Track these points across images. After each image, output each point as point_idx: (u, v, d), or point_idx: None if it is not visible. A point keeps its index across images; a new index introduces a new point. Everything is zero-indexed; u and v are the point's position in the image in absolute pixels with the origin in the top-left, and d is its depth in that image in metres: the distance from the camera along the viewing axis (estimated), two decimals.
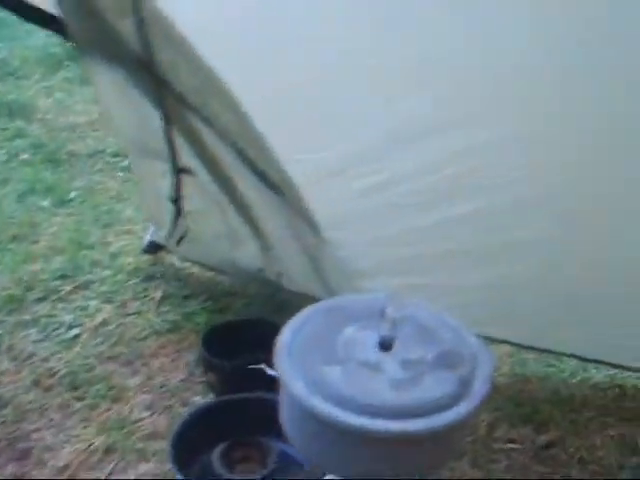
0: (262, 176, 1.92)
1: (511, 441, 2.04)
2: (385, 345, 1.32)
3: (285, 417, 1.36)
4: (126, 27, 1.64)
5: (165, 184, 2.24)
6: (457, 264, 1.99)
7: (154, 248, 2.83)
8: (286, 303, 2.54)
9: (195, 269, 2.84)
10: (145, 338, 2.45)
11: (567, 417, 2.12)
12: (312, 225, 2.03)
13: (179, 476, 1.68)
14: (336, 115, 1.66)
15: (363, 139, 1.70)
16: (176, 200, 2.32)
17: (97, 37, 1.72)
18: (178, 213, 2.36)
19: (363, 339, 1.34)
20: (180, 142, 2.03)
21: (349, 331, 1.37)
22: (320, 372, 1.27)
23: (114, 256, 2.93)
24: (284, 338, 1.34)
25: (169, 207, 2.37)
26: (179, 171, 2.15)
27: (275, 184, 1.94)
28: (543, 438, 2.04)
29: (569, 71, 1.40)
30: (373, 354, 1.31)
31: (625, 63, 1.34)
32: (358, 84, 1.56)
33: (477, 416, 1.95)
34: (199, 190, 2.19)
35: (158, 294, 2.68)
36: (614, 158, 1.54)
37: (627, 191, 1.57)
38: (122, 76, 1.83)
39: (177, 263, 2.87)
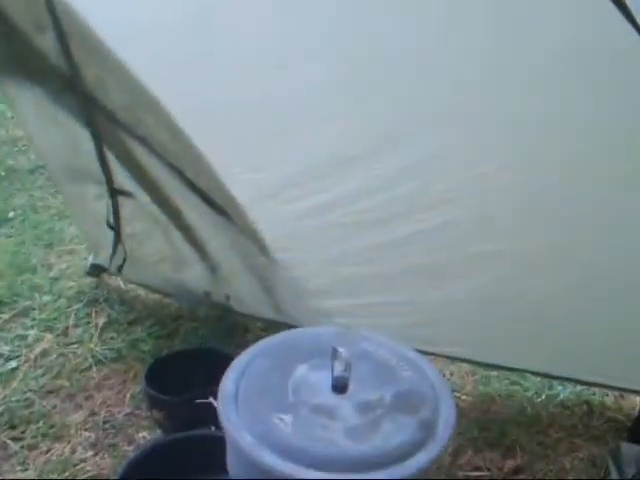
0: (203, 196, 1.79)
1: (477, 468, 1.93)
2: (339, 387, 1.21)
3: (233, 468, 1.23)
4: (46, 42, 1.49)
5: (101, 207, 2.09)
6: (413, 282, 1.91)
7: (97, 270, 2.68)
8: (236, 326, 2.43)
9: (141, 291, 2.69)
10: (88, 369, 2.29)
11: (534, 439, 2.02)
12: (260, 245, 1.91)
13: None
14: (279, 134, 1.55)
15: (306, 159, 1.61)
16: (113, 224, 2.17)
17: (14, 54, 1.57)
18: (117, 237, 2.22)
19: (315, 381, 1.23)
20: (114, 163, 1.89)
21: (300, 372, 1.25)
22: (269, 421, 1.15)
23: (55, 280, 2.78)
24: (228, 384, 1.22)
25: (108, 231, 2.22)
26: (115, 193, 2.01)
27: (217, 203, 1.81)
28: (510, 463, 1.93)
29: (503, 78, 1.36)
30: (326, 398, 1.20)
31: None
32: (298, 103, 1.46)
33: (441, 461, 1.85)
34: (139, 212, 2.05)
35: (101, 320, 2.53)
36: (577, 172, 1.48)
37: (593, 207, 1.49)
38: (45, 95, 1.68)
39: (122, 286, 2.72)
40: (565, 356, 1.99)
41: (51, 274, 2.82)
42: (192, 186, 1.78)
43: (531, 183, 1.56)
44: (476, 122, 1.46)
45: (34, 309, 2.60)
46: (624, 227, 1.56)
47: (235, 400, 1.19)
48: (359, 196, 1.70)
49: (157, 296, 2.64)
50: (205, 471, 1.71)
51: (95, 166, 1.91)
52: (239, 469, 1.21)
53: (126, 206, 2.09)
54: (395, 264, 1.84)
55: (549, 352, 1.98)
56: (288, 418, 1.15)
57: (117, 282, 2.73)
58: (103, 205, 2.09)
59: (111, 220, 2.14)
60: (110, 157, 1.88)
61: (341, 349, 1.20)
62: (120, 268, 2.36)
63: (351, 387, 1.21)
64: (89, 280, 2.73)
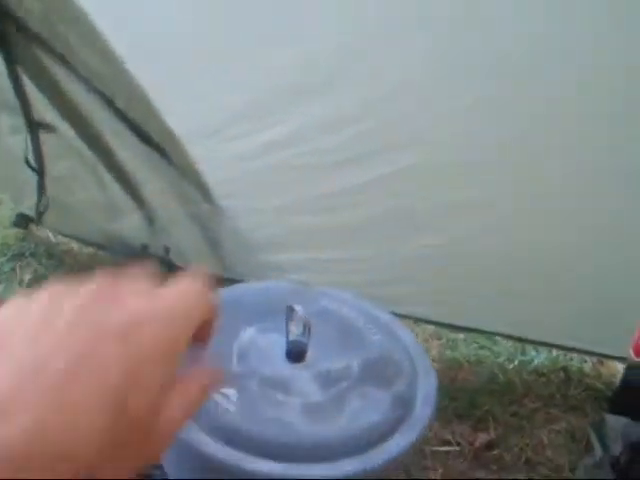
0: (136, 129, 1.53)
1: (445, 442, 1.73)
2: (295, 354, 0.98)
3: (166, 459, 0.99)
4: None
5: (17, 143, 1.80)
6: (378, 235, 1.69)
7: (25, 220, 2.39)
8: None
9: (73, 245, 2.41)
10: None
11: (508, 410, 1.82)
12: (203, 190, 1.66)
13: None
14: (222, 57, 1.31)
15: (254, 87, 1.37)
16: (35, 165, 1.88)
17: None
18: (41, 181, 1.93)
19: (266, 347, 0.99)
20: (31, 88, 1.60)
21: (246, 336, 1.01)
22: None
23: None
24: None
25: (31, 174, 1.94)
26: (34, 126, 1.73)
27: (153, 139, 1.55)
28: (482, 437, 1.74)
29: None
30: (280, 368, 0.97)
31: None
32: (244, 23, 1.22)
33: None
34: (63, 149, 1.77)
35: (27, 276, 2.25)
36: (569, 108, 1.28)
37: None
38: None
39: (51, 238, 2.44)
40: (539, 319, 1.80)
41: None
42: (123, 117, 1.51)
43: (520, 122, 1.35)
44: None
45: None
46: (615, 181, 1.38)
47: None
48: (316, 133, 1.45)
49: (90, 249, 2.36)
50: None
51: (8, 92, 1.63)
52: (173, 459, 0.97)
53: (49, 142, 1.81)
54: (358, 213, 1.62)
55: (522, 314, 1.79)
56: (232, 394, 0.91)
57: (46, 234, 2.45)
58: (19, 141, 1.80)
59: (30, 159, 1.85)
60: (26, 81, 1.60)
61: (297, 307, 0.97)
62: (41, 216, 2.08)
63: (310, 354, 0.98)
64: (15, 232, 2.44)
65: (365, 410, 0.92)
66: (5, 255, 2.34)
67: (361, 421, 0.90)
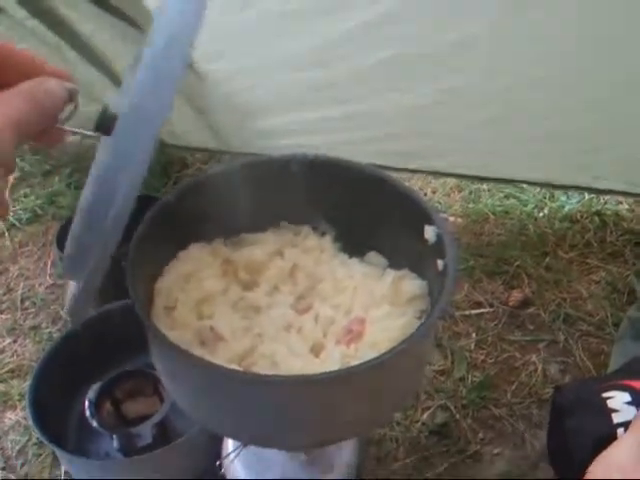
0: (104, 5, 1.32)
1: (477, 304, 1.61)
2: None
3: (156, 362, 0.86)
4: None
5: None
6: (377, 85, 1.50)
7: None
8: (171, 163, 2.03)
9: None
10: None
11: (541, 263, 1.69)
12: None
13: (42, 437, 1.20)
14: None
15: None
16: None
17: None
18: None
19: None
20: None
21: None
22: None
23: None
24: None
25: None
26: None
27: (120, 10, 1.35)
28: (516, 295, 1.61)
29: None
30: None
31: None
32: None
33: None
34: (18, 31, 1.56)
35: (11, 175, 2.09)
36: None
37: None
38: None
39: None
40: (569, 161, 1.63)
41: None
42: None
43: None
44: None
45: None
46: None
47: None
48: None
49: (75, 139, 2.19)
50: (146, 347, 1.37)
51: None
52: (165, 368, 0.84)
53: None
54: (352, 63, 1.42)
55: (550, 157, 1.63)
56: None
57: None
58: None
59: None
60: None
61: None
62: None
63: None
64: None
65: None
66: None
67: None
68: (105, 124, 0.58)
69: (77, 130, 0.55)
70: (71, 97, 0.48)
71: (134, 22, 1.43)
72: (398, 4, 1.26)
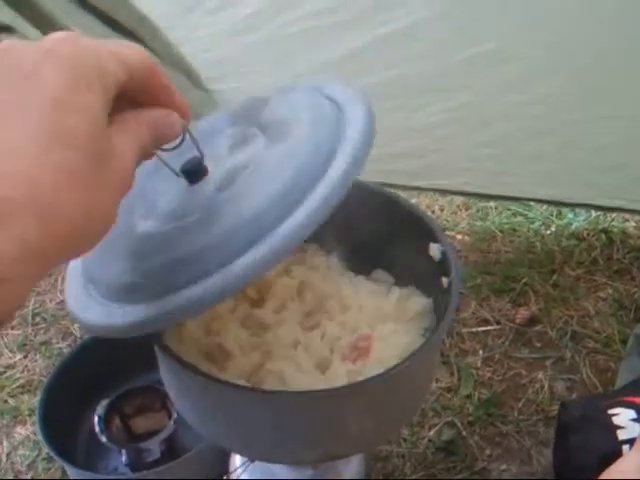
0: (104, 17, 1.34)
1: (484, 322, 1.62)
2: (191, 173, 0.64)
3: (164, 377, 0.86)
4: None
5: None
6: (386, 104, 1.49)
7: None
8: None
9: None
10: None
11: (548, 280, 1.69)
12: (190, 75, 1.48)
13: (51, 452, 1.22)
14: None
15: None
16: None
17: None
18: None
19: (165, 186, 0.67)
20: None
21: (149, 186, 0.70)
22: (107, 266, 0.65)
23: None
24: None
25: None
26: None
27: (126, 28, 1.37)
28: (524, 312, 1.61)
29: None
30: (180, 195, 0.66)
31: None
32: None
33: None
34: None
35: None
36: None
37: None
38: None
39: None
40: (576, 178, 1.64)
41: None
42: (86, 4, 1.32)
43: None
44: None
45: None
46: None
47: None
48: None
49: None
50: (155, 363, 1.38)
51: None
52: (172, 383, 0.85)
53: None
54: (361, 81, 1.43)
55: (557, 175, 1.63)
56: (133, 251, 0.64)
57: None
58: None
59: None
60: None
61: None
62: None
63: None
64: None
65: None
66: None
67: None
68: (192, 173, 0.62)
69: (166, 163, 0.57)
70: (182, 132, 0.50)
71: (142, 41, 1.45)
72: (406, 23, 1.28)
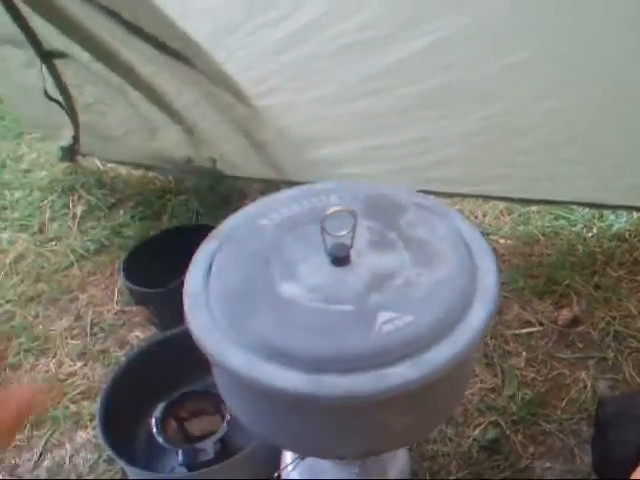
0: (152, 40, 1.41)
1: (527, 324, 1.64)
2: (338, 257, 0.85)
3: (222, 388, 0.93)
4: None
5: (35, 78, 1.71)
6: (426, 114, 1.54)
7: (69, 152, 2.33)
8: (230, 193, 2.11)
9: (121, 170, 2.36)
10: (69, 267, 2.00)
11: (590, 282, 1.71)
12: (236, 92, 1.55)
13: (112, 454, 1.29)
14: None
15: None
16: (62, 95, 1.80)
17: None
18: (72, 110, 1.85)
19: (304, 252, 0.88)
20: (30, 14, 1.50)
21: (285, 243, 0.90)
22: (256, 318, 0.81)
23: (26, 172, 2.46)
24: (193, 280, 0.89)
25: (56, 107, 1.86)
26: (47, 56, 1.63)
27: (173, 49, 1.44)
28: (566, 314, 1.64)
29: None
30: (323, 273, 0.84)
31: None
32: None
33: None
34: (84, 75, 1.68)
35: (79, 209, 2.22)
36: None
37: None
38: None
39: (100, 166, 2.39)
40: (617, 181, 1.65)
41: (21, 166, 2.50)
42: (135, 30, 1.40)
43: None
44: None
45: (5, 209, 2.30)
46: None
47: (206, 300, 0.86)
48: (346, 10, 1.31)
49: (139, 172, 2.31)
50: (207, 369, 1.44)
51: (10, 25, 1.52)
52: (229, 389, 0.91)
53: (67, 70, 1.71)
54: (401, 93, 1.48)
55: (598, 178, 1.65)
56: (278, 312, 0.81)
57: (94, 164, 2.40)
58: (35, 73, 1.71)
59: (48, 90, 1.76)
60: (23, 8, 1.49)
61: (333, 206, 0.84)
62: (73, 146, 2.01)
63: (355, 254, 0.85)
64: (63, 166, 2.41)
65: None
66: (56, 192, 2.31)
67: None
68: (339, 259, 0.81)
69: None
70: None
71: (189, 61, 1.52)
72: (444, 34, 1.32)
